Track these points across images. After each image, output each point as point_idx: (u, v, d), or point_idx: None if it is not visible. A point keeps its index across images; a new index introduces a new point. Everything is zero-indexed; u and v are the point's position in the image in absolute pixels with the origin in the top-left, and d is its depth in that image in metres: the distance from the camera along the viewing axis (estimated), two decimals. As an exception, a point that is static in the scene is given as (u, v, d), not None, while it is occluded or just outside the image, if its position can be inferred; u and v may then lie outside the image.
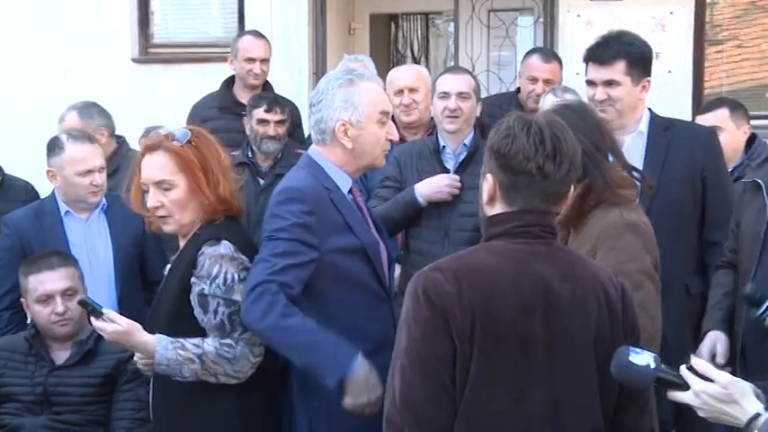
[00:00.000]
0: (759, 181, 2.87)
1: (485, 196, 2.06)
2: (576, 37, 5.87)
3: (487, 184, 2.04)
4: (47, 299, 3.17)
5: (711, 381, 1.89)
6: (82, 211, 3.59)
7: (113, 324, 2.52)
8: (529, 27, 6.98)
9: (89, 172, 3.50)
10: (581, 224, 2.48)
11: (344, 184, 2.78)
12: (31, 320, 3.27)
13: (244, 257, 2.56)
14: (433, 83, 3.85)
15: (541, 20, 6.38)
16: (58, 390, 3.12)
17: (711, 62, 6.09)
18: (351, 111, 2.71)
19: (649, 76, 3.29)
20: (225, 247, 2.54)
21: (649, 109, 3.42)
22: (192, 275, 2.53)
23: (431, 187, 3.60)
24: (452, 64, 7.25)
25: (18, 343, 3.24)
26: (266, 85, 5.04)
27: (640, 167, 3.27)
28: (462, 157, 3.68)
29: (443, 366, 1.91)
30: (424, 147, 3.78)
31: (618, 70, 3.19)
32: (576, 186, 2.43)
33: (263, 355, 2.55)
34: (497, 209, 2.04)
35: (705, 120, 4.09)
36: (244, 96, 4.89)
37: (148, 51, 6.52)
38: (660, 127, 3.36)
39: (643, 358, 1.97)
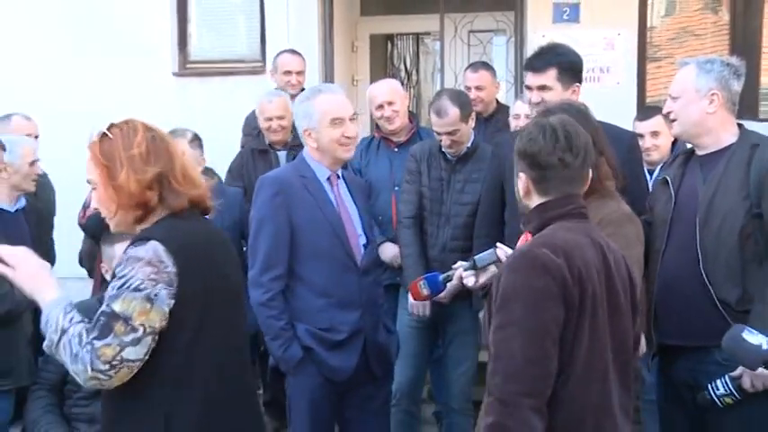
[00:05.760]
0: (667, 177, 3.07)
1: (521, 192, 2.25)
2: (542, 54, 6.35)
3: (521, 182, 2.24)
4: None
5: None
6: None
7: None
8: (503, 46, 7.28)
9: None
10: None
11: (322, 174, 3.34)
12: None
13: (168, 263, 2.12)
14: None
15: (513, 39, 6.69)
16: None
17: (652, 75, 6.43)
18: (308, 120, 3.30)
19: (579, 82, 3.38)
20: (148, 249, 2.12)
21: None
22: None
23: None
24: (439, 76, 7.63)
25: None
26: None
27: None
28: (462, 153, 4.14)
29: (554, 332, 2.00)
30: (432, 147, 4.22)
31: (550, 77, 3.30)
32: None
33: (109, 379, 2.07)
34: (536, 200, 2.22)
35: (646, 125, 4.40)
36: None
37: (186, 66, 6.92)
38: None
39: (756, 338, 1.97)
